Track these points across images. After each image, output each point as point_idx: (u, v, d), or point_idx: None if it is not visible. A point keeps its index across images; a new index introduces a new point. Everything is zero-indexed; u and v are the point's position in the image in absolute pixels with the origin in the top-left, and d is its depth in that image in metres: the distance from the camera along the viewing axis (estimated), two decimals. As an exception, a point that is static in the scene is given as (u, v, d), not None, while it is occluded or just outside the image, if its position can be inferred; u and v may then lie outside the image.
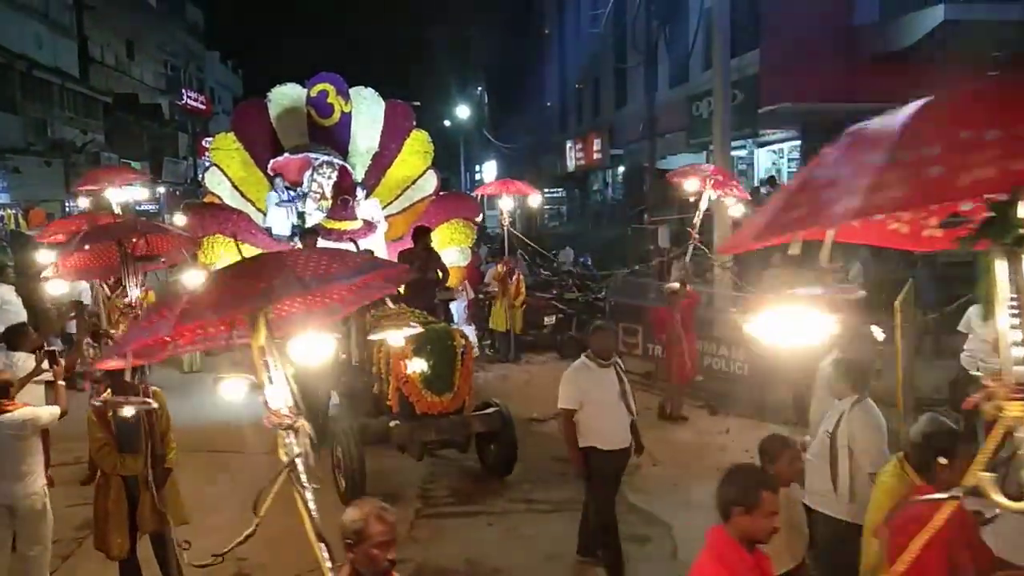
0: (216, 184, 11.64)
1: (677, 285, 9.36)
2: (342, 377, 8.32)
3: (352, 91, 12.24)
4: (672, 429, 8.90)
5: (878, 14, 14.78)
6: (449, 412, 7.29)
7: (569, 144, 33.33)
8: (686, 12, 20.26)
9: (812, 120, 17.81)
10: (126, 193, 11.31)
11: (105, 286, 7.97)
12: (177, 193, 34.51)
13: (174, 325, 2.54)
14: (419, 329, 7.06)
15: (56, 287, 7.10)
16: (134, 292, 5.20)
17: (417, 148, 12.71)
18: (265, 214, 11.66)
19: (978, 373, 7.55)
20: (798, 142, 19.39)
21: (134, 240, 5.73)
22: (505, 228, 13.15)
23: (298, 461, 2.66)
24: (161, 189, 38.13)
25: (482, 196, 18.05)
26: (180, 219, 15.16)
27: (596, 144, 29.83)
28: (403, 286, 8.92)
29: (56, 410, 5.32)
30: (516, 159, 39.17)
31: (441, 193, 12.61)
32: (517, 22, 39.33)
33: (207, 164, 12.60)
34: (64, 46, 29.06)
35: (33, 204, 22.41)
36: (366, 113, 12.38)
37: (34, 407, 5.27)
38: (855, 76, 14.71)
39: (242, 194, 11.73)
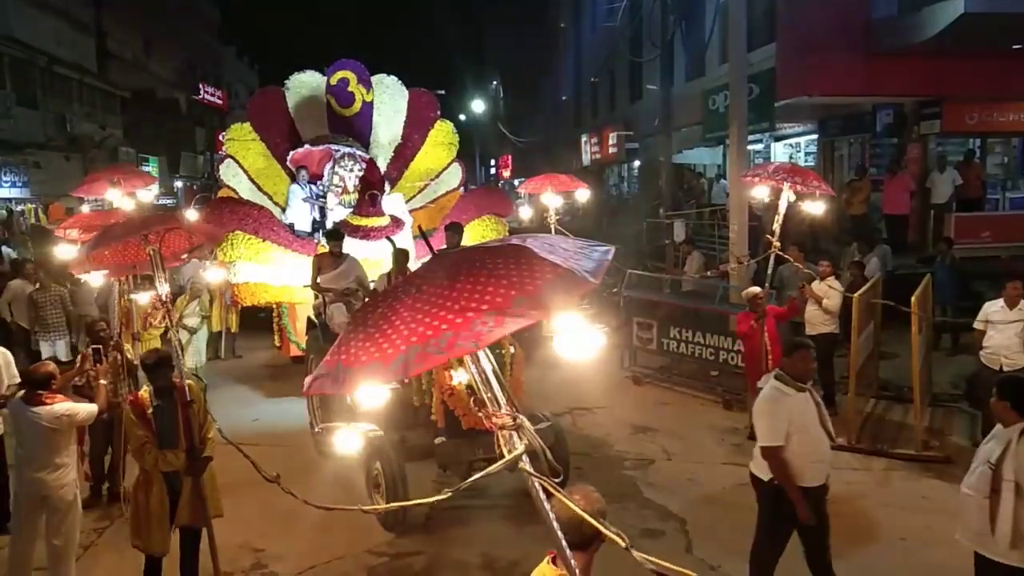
0: (232, 176, 11.25)
1: (757, 289, 8.26)
2: None
3: (374, 79, 11.77)
4: (687, 425, 8.88)
5: (896, 7, 14.63)
6: None
7: (584, 138, 33.25)
8: (702, 5, 20.15)
9: (829, 114, 17.72)
10: (130, 199, 11.03)
11: (122, 282, 7.89)
12: (194, 187, 34.75)
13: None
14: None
15: (95, 280, 7.36)
16: (163, 287, 5.08)
17: (441, 139, 12.27)
18: (284, 209, 11.32)
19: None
20: (815, 136, 19.28)
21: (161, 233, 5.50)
22: (552, 225, 12.68)
23: (524, 460, 2.46)
24: (178, 183, 38.48)
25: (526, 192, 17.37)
26: (192, 215, 15.16)
27: (612, 138, 29.74)
28: None
29: (94, 408, 5.41)
30: (531, 153, 39.12)
31: (471, 187, 12.29)
32: (533, 15, 39.25)
33: (222, 156, 12.23)
34: (83, 42, 29.28)
35: (53, 199, 22.63)
36: (388, 103, 11.94)
37: (72, 402, 5.33)
38: (873, 70, 14.58)
39: (259, 187, 11.35)
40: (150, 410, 5.02)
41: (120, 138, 31.70)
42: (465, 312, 2.13)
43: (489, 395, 2.50)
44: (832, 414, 8.54)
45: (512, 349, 7.01)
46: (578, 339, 2.69)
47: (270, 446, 8.47)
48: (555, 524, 2.50)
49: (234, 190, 11.15)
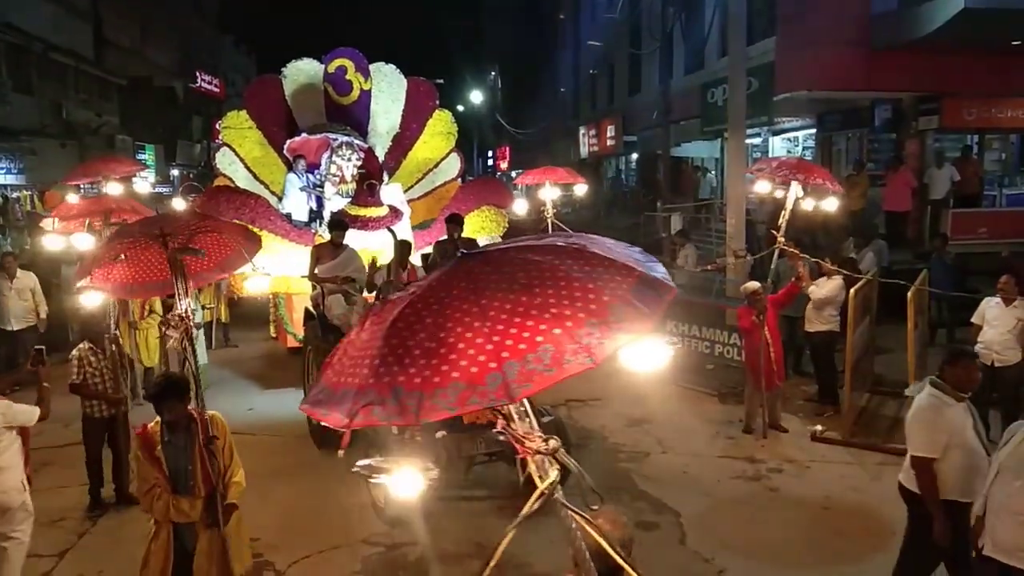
0: (228, 165, 11.11)
1: (756, 284, 8.31)
2: None
3: (372, 68, 11.64)
4: (683, 418, 8.90)
5: (896, 2, 14.62)
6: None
7: (583, 130, 33.23)
8: (702, -2, 20.13)
9: (827, 108, 17.71)
10: (122, 185, 10.57)
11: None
12: (191, 176, 34.64)
13: None
14: None
15: (93, 299, 5.99)
16: (184, 303, 4.42)
17: (440, 129, 12.17)
18: (280, 198, 11.21)
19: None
20: (813, 130, 19.28)
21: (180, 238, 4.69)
22: (550, 220, 12.50)
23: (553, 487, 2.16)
24: (175, 172, 38.36)
25: (522, 185, 16.64)
26: (180, 203, 15.05)
27: (610, 131, 29.73)
28: None
29: (35, 412, 5.06)
30: (529, 145, 39.09)
31: (470, 178, 12.15)
32: (532, 7, 39.16)
33: (218, 145, 11.90)
34: (80, 28, 29.08)
35: (48, 186, 22.53)
36: (387, 91, 11.82)
37: (9, 402, 5.02)
38: (872, 64, 14.57)
39: (256, 176, 11.25)
40: (159, 447, 4.26)
41: (116, 126, 31.54)
42: (561, 321, 1.86)
43: (520, 409, 2.22)
44: (835, 412, 8.65)
45: None
46: (646, 351, 2.39)
47: (268, 435, 8.51)
48: (587, 557, 2.27)
49: (230, 179, 11.00)
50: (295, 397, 9.17)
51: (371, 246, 9.62)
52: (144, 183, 11.04)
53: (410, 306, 2.06)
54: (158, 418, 4.29)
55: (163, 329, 5.75)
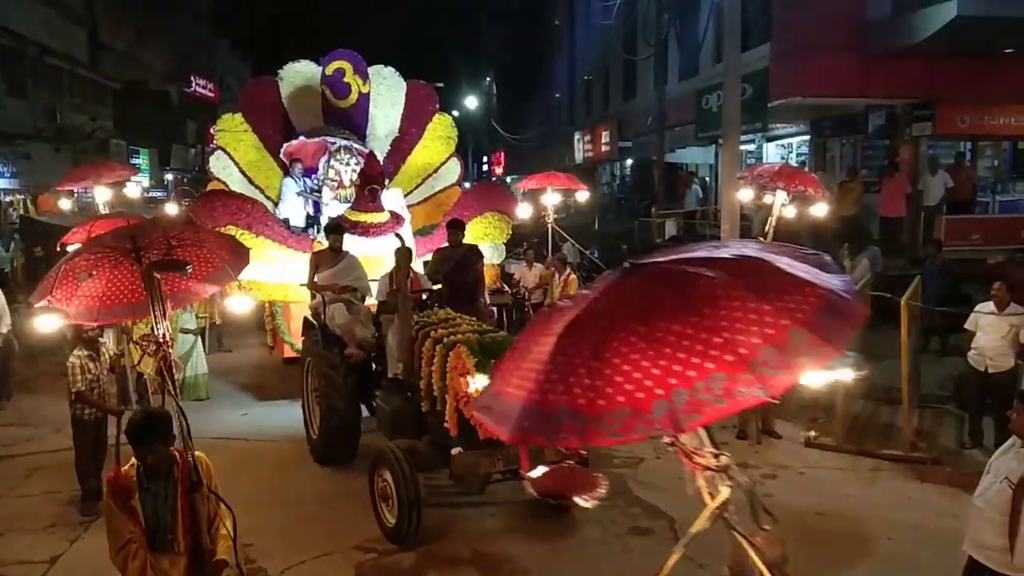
0: (222, 169, 10.76)
1: None
2: (376, 390, 7.51)
3: (371, 70, 11.37)
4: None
5: (890, 9, 14.69)
6: None
7: (577, 136, 33.28)
8: (697, 5, 20.19)
9: (822, 115, 17.78)
10: (108, 190, 10.53)
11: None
12: (185, 180, 34.59)
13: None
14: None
15: (47, 323, 5.34)
16: (161, 326, 3.88)
17: (440, 133, 11.91)
18: (276, 203, 10.96)
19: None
20: (807, 136, 19.35)
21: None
22: (550, 226, 12.14)
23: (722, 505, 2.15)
24: (169, 176, 38.31)
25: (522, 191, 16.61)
26: (172, 208, 14.88)
27: (605, 136, 29.79)
28: (442, 288, 8.16)
29: None
30: (524, 151, 39.12)
31: (465, 184, 11.94)
32: (527, 12, 39.22)
33: (212, 148, 11.40)
34: (74, 32, 29.04)
35: (42, 190, 22.47)
36: (386, 94, 11.55)
37: None
38: (866, 71, 14.63)
39: (251, 180, 10.92)
40: (136, 495, 3.60)
41: (111, 130, 31.47)
42: (734, 347, 1.74)
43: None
44: (829, 418, 8.65)
45: None
46: (830, 374, 2.33)
47: (259, 441, 8.49)
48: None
49: (224, 183, 10.63)
50: (289, 404, 9.15)
51: (372, 253, 9.27)
52: (136, 188, 10.91)
53: (577, 321, 1.99)
54: (132, 460, 3.65)
55: (138, 352, 5.38)
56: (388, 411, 7.05)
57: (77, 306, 4.19)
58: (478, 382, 5.76)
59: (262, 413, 9.49)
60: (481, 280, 8.86)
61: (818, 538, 6.16)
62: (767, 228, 8.39)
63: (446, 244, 8.99)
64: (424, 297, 7.89)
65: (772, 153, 21.00)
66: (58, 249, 8.98)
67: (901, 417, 8.15)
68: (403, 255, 7.03)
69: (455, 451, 6.02)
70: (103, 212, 10.23)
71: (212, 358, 11.54)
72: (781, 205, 8.31)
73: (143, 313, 4.07)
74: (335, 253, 8.36)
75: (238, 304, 8.69)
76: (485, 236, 10.74)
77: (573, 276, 11.67)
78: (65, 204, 13.55)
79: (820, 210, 8.78)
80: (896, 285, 8.71)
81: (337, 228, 8.57)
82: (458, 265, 8.35)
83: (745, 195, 8.78)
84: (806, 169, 16.99)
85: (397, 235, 8.29)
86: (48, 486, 7.12)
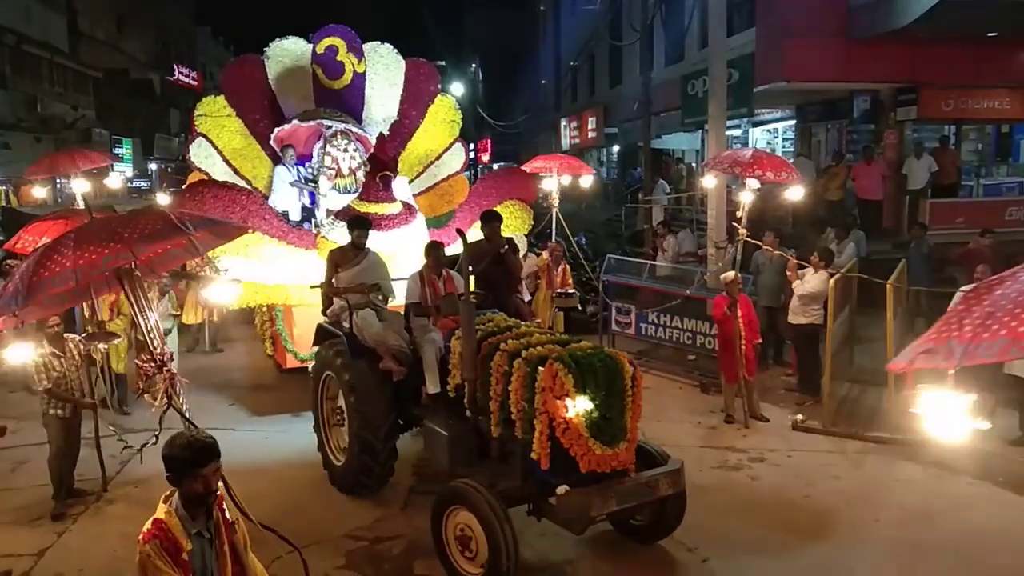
0: (204, 159, 9.79)
1: (733, 274, 8.31)
2: (415, 410, 6.51)
3: (366, 48, 10.39)
4: (665, 408, 8.94)
5: (875, -7, 14.72)
6: (622, 469, 5.19)
7: (564, 122, 33.23)
8: (682, -10, 20.13)
9: (807, 100, 17.81)
10: (87, 183, 10.10)
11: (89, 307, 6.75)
12: (169, 169, 34.33)
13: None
14: None
15: (17, 354, 5.27)
16: (151, 318, 3.65)
17: (442, 116, 10.98)
18: (266, 195, 9.96)
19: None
20: (793, 121, 19.39)
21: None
22: (555, 212, 11.46)
23: None
24: (153, 165, 38.01)
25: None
26: (164, 199, 14.41)
27: (591, 122, 29.76)
28: (478, 286, 6.93)
29: None
30: (511, 138, 39.01)
31: (496, 167, 11.29)
32: (512, -2, 39.06)
33: (194, 136, 10.26)
34: (54, 20, 28.68)
35: (24, 181, 22.24)
36: (383, 74, 10.58)
37: None
38: (850, 56, 14.65)
39: (236, 170, 10.00)
40: (187, 547, 2.95)
41: (92, 119, 31.18)
42: None
43: None
44: (815, 401, 8.71)
45: (632, 368, 5.33)
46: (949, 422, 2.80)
47: (248, 431, 8.44)
48: None
49: (207, 174, 9.60)
50: (285, 410, 8.88)
51: (383, 248, 7.95)
52: (119, 178, 10.68)
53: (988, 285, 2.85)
54: (164, 506, 2.99)
55: (142, 377, 4.95)
56: (448, 437, 5.92)
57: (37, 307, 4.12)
58: (579, 405, 4.95)
59: (248, 397, 9.39)
60: (518, 276, 7.86)
61: (805, 521, 6.21)
62: (739, 214, 8.50)
63: (481, 238, 7.42)
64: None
65: (758, 138, 21.03)
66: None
67: (887, 400, 8.22)
68: (434, 250, 6.38)
69: (560, 489, 4.98)
70: (80, 204, 9.61)
71: (205, 361, 11.10)
72: (753, 190, 8.44)
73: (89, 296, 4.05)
74: (358, 251, 7.15)
75: (219, 293, 7.92)
76: (506, 227, 9.39)
77: (566, 265, 11.09)
78: (39, 192, 13.17)
79: (795, 194, 8.89)
80: (880, 268, 8.75)
81: (362, 223, 7.30)
82: (495, 261, 7.15)
83: (709, 182, 8.83)
84: (789, 153, 17.06)
85: (459, 231, 6.17)
86: (34, 479, 7.06)
